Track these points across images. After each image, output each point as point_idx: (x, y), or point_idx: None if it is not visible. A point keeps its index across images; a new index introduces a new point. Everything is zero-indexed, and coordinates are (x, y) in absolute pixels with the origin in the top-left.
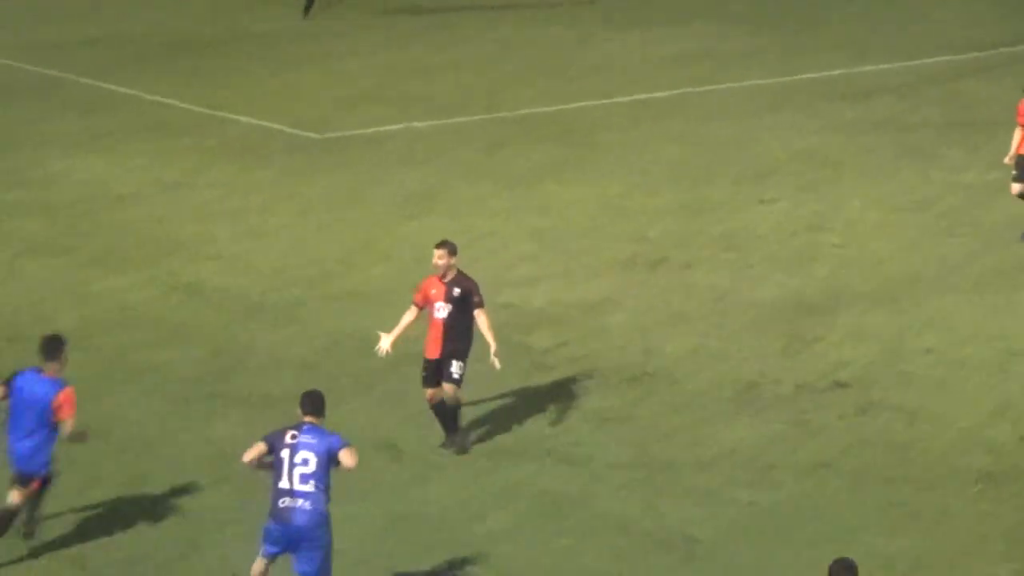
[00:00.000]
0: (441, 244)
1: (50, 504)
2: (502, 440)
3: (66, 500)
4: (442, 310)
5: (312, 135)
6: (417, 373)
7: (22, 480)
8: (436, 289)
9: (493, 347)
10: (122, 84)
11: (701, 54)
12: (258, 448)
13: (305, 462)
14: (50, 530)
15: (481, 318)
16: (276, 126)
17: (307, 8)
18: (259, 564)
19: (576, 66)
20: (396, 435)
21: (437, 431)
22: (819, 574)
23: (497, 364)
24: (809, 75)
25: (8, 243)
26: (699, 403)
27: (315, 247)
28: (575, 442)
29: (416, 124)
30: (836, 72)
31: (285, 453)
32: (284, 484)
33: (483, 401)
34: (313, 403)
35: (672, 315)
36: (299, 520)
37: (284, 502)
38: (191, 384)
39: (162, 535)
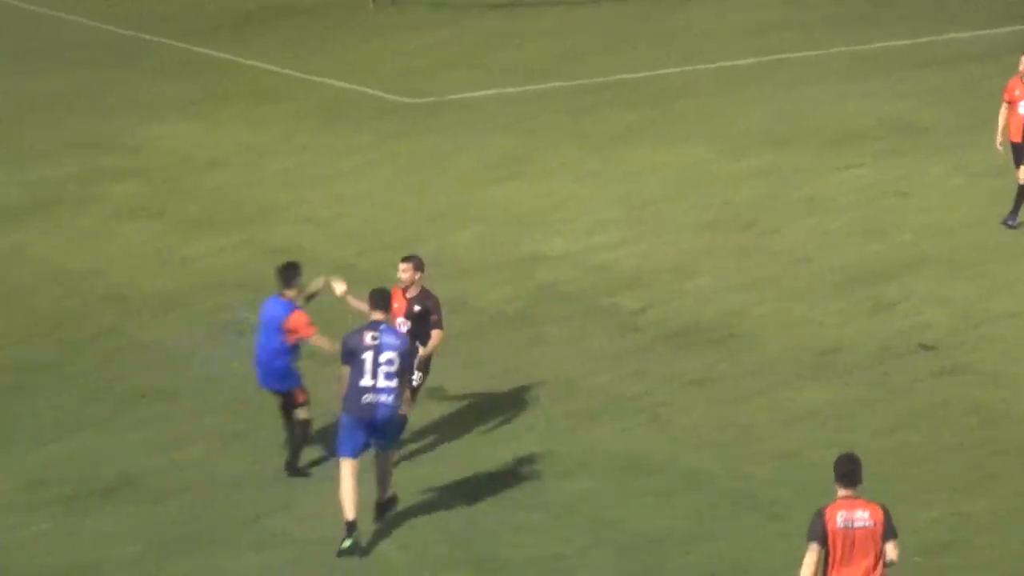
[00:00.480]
0: (407, 258)
1: (147, 458)
2: (587, 401)
3: (162, 457)
4: (402, 326)
5: (403, 99)
6: (501, 337)
7: (284, 402)
8: (399, 303)
9: (416, 376)
10: (217, 48)
11: (783, 22)
12: (338, 347)
13: (390, 362)
14: (142, 486)
15: (433, 340)
16: (368, 90)
17: None
18: (348, 465)
19: (661, 33)
20: (484, 395)
21: (526, 393)
22: (900, 532)
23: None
24: (892, 43)
25: (103, 207)
26: (781, 366)
27: (405, 210)
28: (659, 403)
29: (505, 90)
30: (920, 40)
31: (368, 354)
32: (367, 382)
33: (565, 361)
34: (383, 299)
35: (755, 279)
36: (382, 414)
37: (367, 398)
38: None
39: (252, 493)
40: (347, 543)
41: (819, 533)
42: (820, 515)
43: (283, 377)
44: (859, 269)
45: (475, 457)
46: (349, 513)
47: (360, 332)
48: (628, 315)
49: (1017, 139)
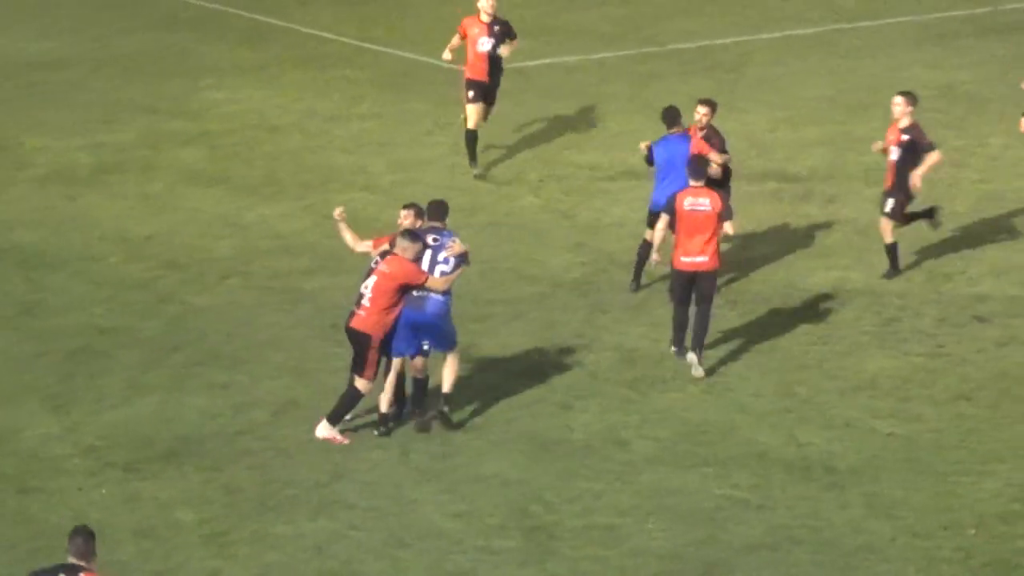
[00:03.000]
0: (408, 206)
1: (206, 425)
2: (646, 369)
3: (221, 422)
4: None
5: (463, 68)
6: (563, 304)
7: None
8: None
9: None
10: (278, 17)
11: None
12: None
13: (447, 261)
14: (201, 452)
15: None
16: (428, 60)
17: None
18: (396, 363)
19: (724, 0)
20: (545, 362)
21: (586, 361)
22: (958, 502)
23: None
24: (954, 12)
25: (166, 172)
26: (840, 335)
27: (466, 178)
28: (718, 372)
29: (569, 58)
30: (983, 10)
31: (427, 253)
32: None
33: (623, 331)
34: (441, 210)
35: (816, 248)
36: (431, 308)
37: (420, 292)
38: (341, 311)
39: (310, 460)
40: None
41: (670, 210)
42: (673, 197)
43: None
44: (919, 239)
45: (535, 424)
46: (382, 406)
47: (423, 231)
48: None
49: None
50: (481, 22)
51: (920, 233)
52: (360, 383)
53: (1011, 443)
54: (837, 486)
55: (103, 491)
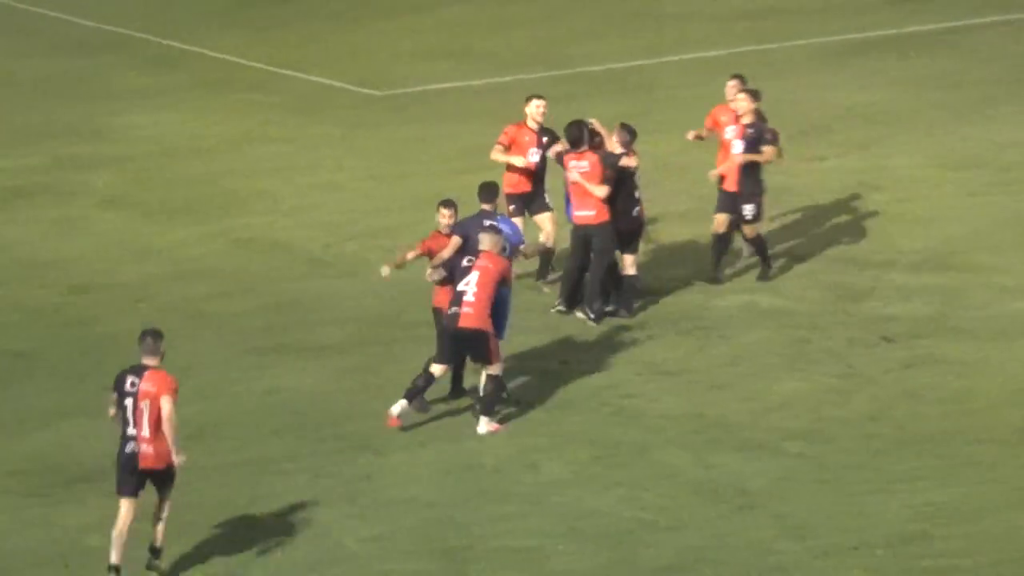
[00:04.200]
0: (446, 203)
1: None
2: (558, 391)
3: None
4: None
5: (374, 92)
6: None
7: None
8: (439, 244)
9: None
10: (188, 42)
11: (766, 10)
12: (455, 241)
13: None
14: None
15: None
16: (338, 83)
17: None
18: None
19: (640, 22)
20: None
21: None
22: (867, 522)
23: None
24: (862, 34)
25: (77, 196)
26: (751, 357)
27: (376, 201)
28: (629, 394)
29: (483, 80)
30: (888, 32)
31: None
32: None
33: (538, 353)
34: (491, 193)
35: (727, 270)
36: None
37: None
38: (256, 335)
39: (227, 484)
40: None
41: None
42: (560, 155)
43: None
44: (827, 261)
45: (447, 448)
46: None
47: (474, 218)
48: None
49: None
50: (530, 130)
51: (830, 253)
52: (495, 368)
53: (918, 463)
54: (747, 507)
55: (23, 514)
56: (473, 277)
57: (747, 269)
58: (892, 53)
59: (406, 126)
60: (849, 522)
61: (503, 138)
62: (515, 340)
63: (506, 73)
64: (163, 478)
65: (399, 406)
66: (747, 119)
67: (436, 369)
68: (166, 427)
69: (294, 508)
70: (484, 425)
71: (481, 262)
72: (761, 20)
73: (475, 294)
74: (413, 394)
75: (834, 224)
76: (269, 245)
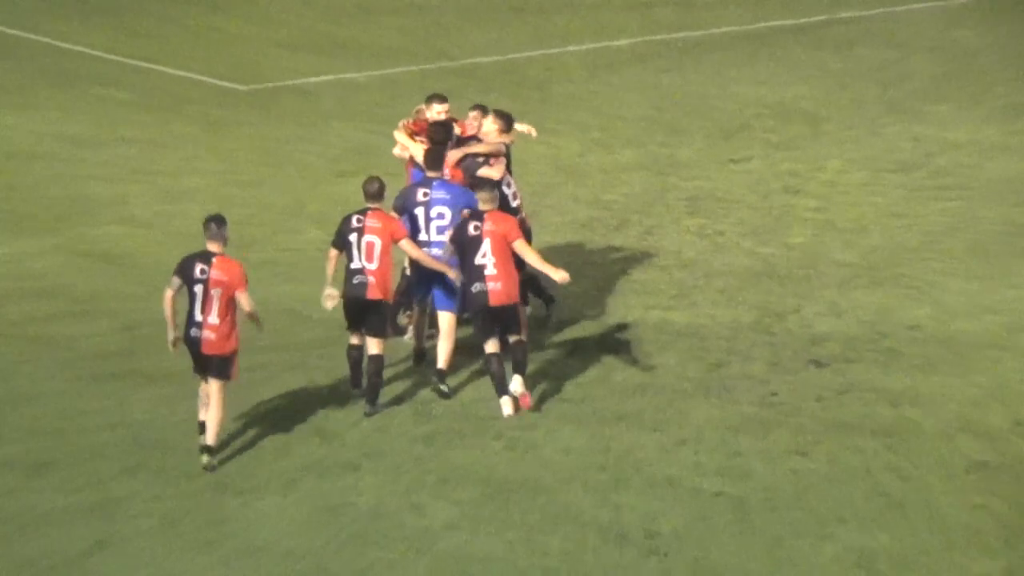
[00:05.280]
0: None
1: None
2: (443, 423)
3: None
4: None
5: (237, 86)
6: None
7: None
8: None
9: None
10: (26, 29)
11: None
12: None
13: (440, 216)
14: None
15: None
16: (198, 76)
17: None
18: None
19: (530, 9)
20: (328, 416)
21: (374, 414)
22: (795, 570)
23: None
24: (786, 21)
25: None
26: (662, 383)
27: (244, 210)
28: (526, 425)
29: (354, 74)
30: (816, 18)
31: (420, 210)
32: (422, 237)
33: (419, 379)
34: (437, 159)
35: (634, 285)
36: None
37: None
38: (101, 361)
39: (68, 529)
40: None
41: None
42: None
43: None
44: (748, 275)
45: (319, 486)
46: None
47: (412, 188)
48: None
49: None
50: None
51: (751, 266)
52: (524, 334)
53: (851, 502)
54: (659, 552)
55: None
56: (486, 246)
57: (664, 282)
58: (826, 42)
59: (277, 124)
60: (774, 569)
61: (408, 126)
62: (391, 368)
63: (386, 66)
64: (220, 365)
65: (517, 382)
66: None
67: (490, 346)
68: (251, 317)
69: (147, 555)
70: (519, 384)
71: (488, 226)
72: (660, 8)
73: (496, 265)
74: (501, 382)
75: (756, 233)
76: (121, 259)
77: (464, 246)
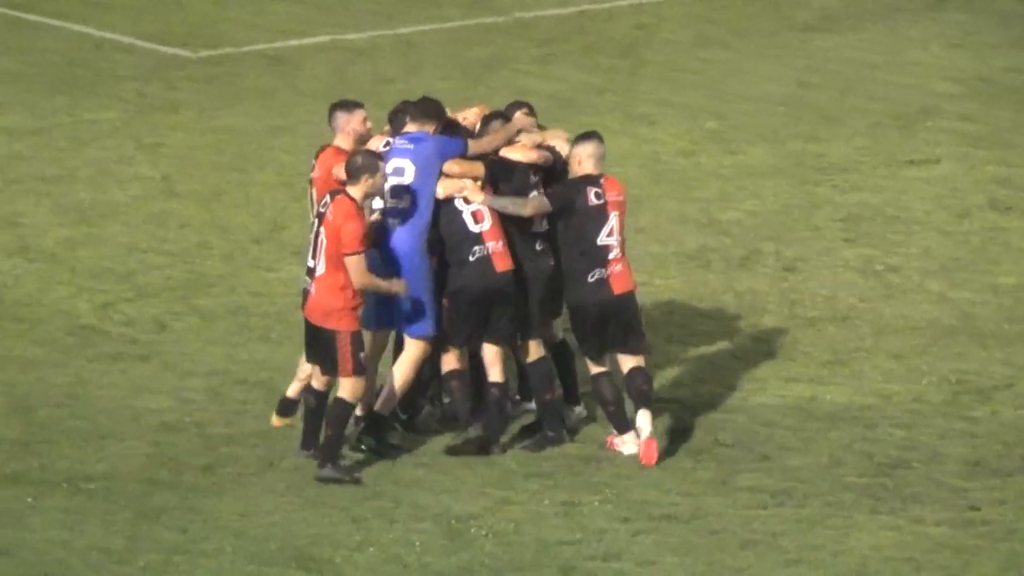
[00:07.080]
0: None
1: None
2: (486, 547)
3: None
4: None
5: (183, 52)
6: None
7: None
8: None
9: None
10: None
11: None
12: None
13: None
14: None
15: None
16: (125, 38)
17: None
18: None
19: None
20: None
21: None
22: None
23: None
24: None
25: None
26: (808, 491)
27: (185, 234)
28: (608, 553)
29: (349, 35)
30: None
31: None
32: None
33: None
34: (429, 110)
35: (767, 347)
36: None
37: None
38: None
39: None
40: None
41: None
42: None
43: None
44: (936, 331)
45: None
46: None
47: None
48: None
49: None
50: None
51: (943, 321)
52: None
53: None
54: None
55: None
56: (614, 221)
57: (813, 343)
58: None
59: (240, 107)
60: None
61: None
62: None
63: (398, 23)
64: (325, 346)
65: (645, 419)
66: None
67: (602, 364)
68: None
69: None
70: (647, 421)
71: (613, 195)
72: None
73: (621, 246)
74: (619, 416)
75: (946, 269)
76: (12, 307)
77: (580, 216)
